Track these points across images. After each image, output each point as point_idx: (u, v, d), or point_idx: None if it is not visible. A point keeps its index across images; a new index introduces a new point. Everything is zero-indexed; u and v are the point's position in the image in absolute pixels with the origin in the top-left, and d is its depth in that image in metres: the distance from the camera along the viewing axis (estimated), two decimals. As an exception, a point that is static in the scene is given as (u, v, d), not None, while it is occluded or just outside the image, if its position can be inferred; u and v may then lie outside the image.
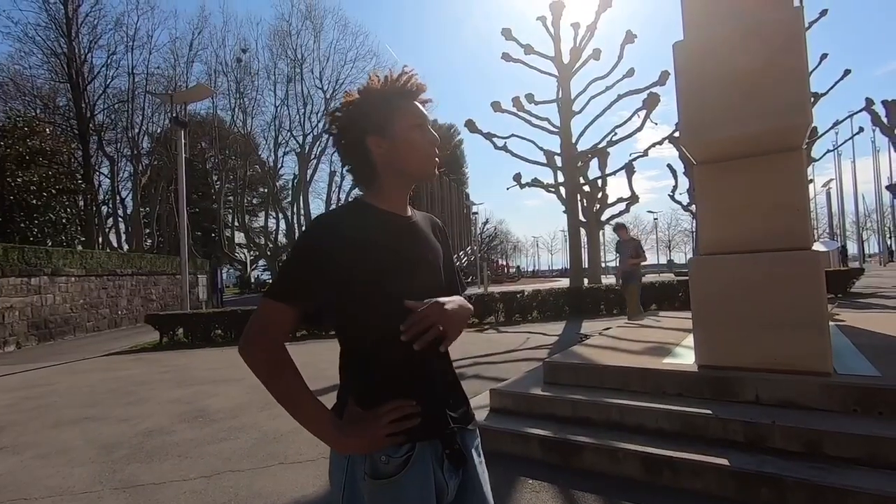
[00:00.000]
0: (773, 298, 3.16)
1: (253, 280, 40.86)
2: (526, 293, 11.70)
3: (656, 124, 14.88)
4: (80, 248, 18.81)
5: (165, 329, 10.42)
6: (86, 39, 27.32)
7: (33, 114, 24.39)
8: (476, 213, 47.75)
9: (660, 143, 14.95)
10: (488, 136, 14.39)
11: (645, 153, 15.12)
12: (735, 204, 3.50)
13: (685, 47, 3.46)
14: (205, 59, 39.53)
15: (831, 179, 35.69)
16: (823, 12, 14.65)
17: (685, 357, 3.70)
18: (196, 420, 4.52)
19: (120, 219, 32.07)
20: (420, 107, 1.06)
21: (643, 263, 8.13)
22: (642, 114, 13.57)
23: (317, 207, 40.82)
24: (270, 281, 39.62)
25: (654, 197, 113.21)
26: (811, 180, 21.28)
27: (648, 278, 11.83)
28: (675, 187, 19.23)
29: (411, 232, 1.06)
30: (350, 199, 1.10)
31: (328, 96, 35.87)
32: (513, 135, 14.43)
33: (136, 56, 29.46)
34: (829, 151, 22.62)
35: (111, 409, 5.12)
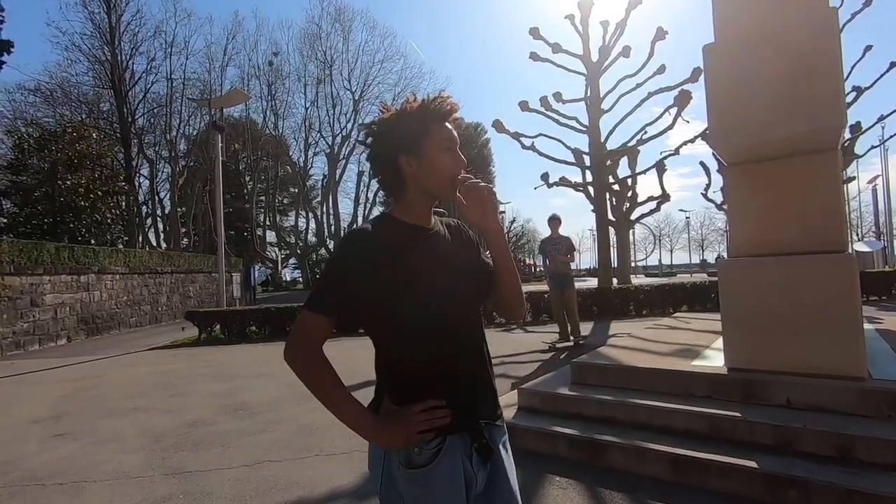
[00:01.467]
0: (806, 301, 3.13)
1: (280, 278, 41.85)
2: (553, 293, 11.62)
3: (688, 122, 14.43)
4: (121, 247, 19.72)
5: (204, 325, 10.86)
6: (127, 47, 28.75)
7: (80, 119, 25.70)
8: (503, 211, 47.61)
9: (692, 140, 14.58)
10: (516, 136, 14.34)
11: (676, 151, 14.78)
12: (767, 205, 3.47)
13: (716, 49, 3.45)
14: (238, 63, 40.80)
15: (877, 176, 33.73)
16: (867, 2, 14.05)
17: (714, 359, 3.68)
18: (236, 413, 4.75)
19: (158, 218, 33.43)
20: (451, 129, 1.13)
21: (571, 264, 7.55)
22: (673, 111, 13.29)
23: (345, 207, 41.53)
24: (300, 279, 40.68)
25: (686, 195, 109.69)
26: (854, 178, 20.31)
27: (681, 278, 11.55)
28: (709, 185, 18.64)
29: (436, 242, 1.14)
30: (379, 215, 1.18)
31: (356, 97, 36.51)
32: (540, 134, 14.32)
33: (173, 62, 30.76)
34: (873, 147, 21.51)
35: (157, 401, 5.43)
